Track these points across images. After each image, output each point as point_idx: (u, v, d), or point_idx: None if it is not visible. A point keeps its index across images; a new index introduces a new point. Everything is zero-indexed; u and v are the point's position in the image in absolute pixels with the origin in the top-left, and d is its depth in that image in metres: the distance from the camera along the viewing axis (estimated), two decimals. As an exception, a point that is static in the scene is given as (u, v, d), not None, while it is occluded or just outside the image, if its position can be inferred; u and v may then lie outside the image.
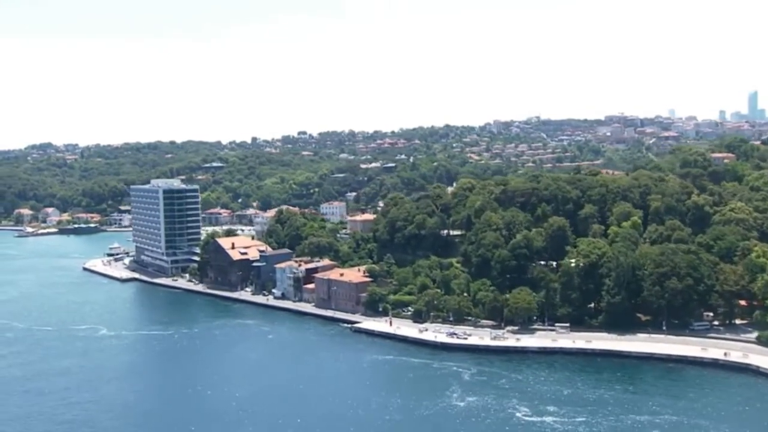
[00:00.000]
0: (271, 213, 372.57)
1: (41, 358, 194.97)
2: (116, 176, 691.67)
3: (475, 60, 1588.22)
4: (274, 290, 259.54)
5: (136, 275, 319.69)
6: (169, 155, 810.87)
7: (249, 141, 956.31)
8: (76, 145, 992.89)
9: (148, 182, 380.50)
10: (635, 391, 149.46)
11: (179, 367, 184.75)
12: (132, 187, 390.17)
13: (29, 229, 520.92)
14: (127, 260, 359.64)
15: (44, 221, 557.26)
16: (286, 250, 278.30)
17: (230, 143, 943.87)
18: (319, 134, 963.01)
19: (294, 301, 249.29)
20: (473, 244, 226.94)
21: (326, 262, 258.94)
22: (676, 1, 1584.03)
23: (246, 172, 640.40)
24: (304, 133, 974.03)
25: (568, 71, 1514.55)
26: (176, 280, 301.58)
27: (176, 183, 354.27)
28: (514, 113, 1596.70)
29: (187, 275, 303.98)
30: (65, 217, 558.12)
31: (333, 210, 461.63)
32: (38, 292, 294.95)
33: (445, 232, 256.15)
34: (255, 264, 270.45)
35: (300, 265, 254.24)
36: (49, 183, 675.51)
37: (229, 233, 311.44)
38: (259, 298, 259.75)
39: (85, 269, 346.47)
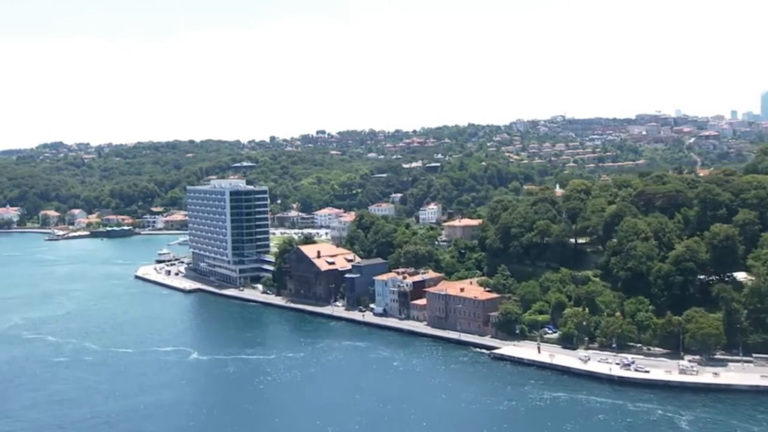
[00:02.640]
0: (349, 217, 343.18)
1: (139, 391, 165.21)
2: (137, 176, 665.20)
3: (492, 58, 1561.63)
4: (372, 306, 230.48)
5: (200, 285, 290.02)
6: (190, 154, 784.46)
7: (267, 140, 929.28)
8: (88, 144, 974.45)
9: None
10: None
11: (308, 407, 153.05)
12: (189, 188, 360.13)
13: (59, 232, 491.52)
14: (182, 267, 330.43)
15: (71, 223, 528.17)
16: (379, 260, 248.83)
17: (250, 142, 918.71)
18: (339, 133, 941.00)
19: (400, 319, 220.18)
20: (618, 255, 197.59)
21: (432, 274, 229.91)
22: (686, 1, 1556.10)
23: (279, 172, 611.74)
24: (323, 132, 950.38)
25: (582, 70, 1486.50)
26: (242, 290, 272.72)
27: (242, 183, 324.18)
28: (535, 112, 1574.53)
29: (259, 286, 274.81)
30: (93, 218, 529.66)
31: (382, 212, 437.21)
32: (97, 304, 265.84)
33: (572, 240, 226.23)
34: (348, 276, 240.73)
35: (405, 278, 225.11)
36: (71, 183, 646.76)
37: (308, 240, 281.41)
38: (355, 315, 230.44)
39: (137, 277, 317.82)
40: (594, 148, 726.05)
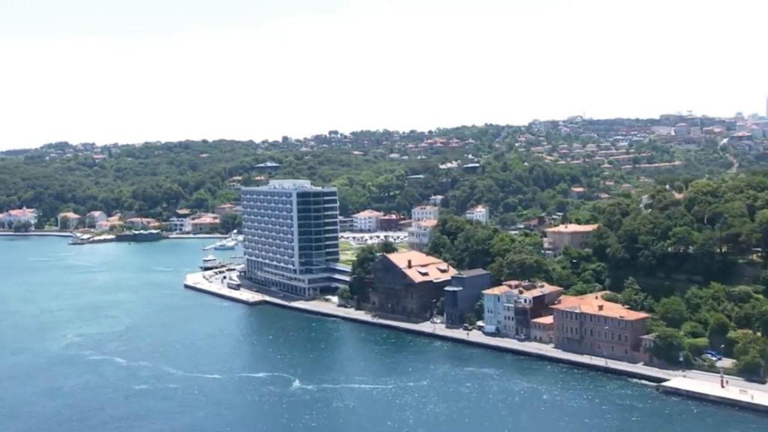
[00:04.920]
0: (428, 222, 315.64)
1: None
2: (153, 176, 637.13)
3: (505, 57, 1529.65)
4: (481, 323, 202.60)
5: (264, 297, 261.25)
6: (205, 155, 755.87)
7: (280, 140, 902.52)
8: (94, 144, 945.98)
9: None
10: None
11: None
12: (245, 188, 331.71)
13: (82, 236, 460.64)
14: (233, 275, 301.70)
15: (92, 226, 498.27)
16: (481, 271, 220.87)
17: (263, 142, 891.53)
18: (353, 133, 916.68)
19: (519, 340, 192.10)
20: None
21: (549, 288, 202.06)
22: (690, 2, 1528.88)
23: (307, 173, 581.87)
24: (336, 132, 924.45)
25: (591, 71, 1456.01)
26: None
27: (307, 184, 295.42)
28: (551, 112, 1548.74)
29: (334, 298, 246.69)
30: (115, 221, 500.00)
31: (426, 214, 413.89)
32: (157, 319, 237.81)
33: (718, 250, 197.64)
34: (448, 289, 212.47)
35: (521, 292, 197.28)
36: (86, 184, 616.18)
37: (388, 247, 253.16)
38: (459, 333, 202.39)
39: (187, 287, 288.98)
40: (627, 149, 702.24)
